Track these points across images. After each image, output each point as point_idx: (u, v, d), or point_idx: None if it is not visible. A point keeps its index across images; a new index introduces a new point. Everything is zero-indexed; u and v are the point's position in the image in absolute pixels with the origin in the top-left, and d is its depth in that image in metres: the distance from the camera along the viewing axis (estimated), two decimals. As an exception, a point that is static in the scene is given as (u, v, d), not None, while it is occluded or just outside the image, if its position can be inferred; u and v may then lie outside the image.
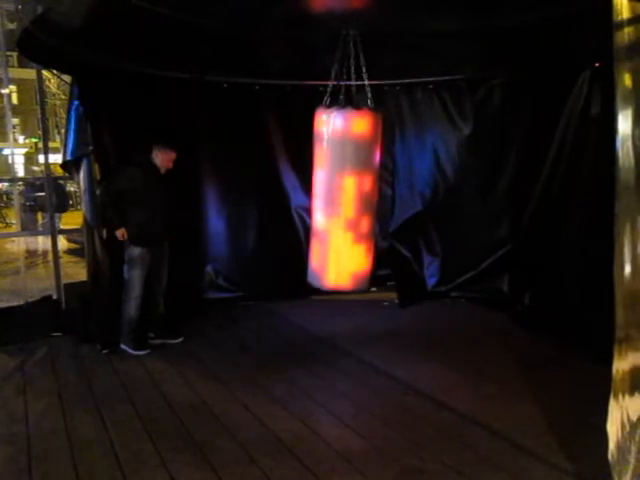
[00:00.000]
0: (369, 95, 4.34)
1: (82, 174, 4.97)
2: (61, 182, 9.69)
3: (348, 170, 4.23)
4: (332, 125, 4.16)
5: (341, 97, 4.36)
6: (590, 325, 4.35)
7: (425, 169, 6.31)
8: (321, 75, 5.60)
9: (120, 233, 4.59)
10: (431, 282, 6.35)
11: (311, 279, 4.58)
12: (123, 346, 4.70)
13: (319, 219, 4.43)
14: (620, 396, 2.58)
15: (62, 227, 8.77)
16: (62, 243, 8.85)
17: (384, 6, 3.97)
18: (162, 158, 4.63)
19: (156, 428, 3.42)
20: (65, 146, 5.09)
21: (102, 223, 4.85)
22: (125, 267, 4.69)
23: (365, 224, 4.42)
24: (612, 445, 2.56)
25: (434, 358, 4.56)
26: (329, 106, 4.27)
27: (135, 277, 4.65)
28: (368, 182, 4.35)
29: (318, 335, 5.20)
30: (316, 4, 4.03)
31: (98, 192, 4.61)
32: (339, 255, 4.38)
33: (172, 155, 4.66)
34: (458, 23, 4.24)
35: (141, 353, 4.65)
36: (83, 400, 3.85)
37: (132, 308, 4.68)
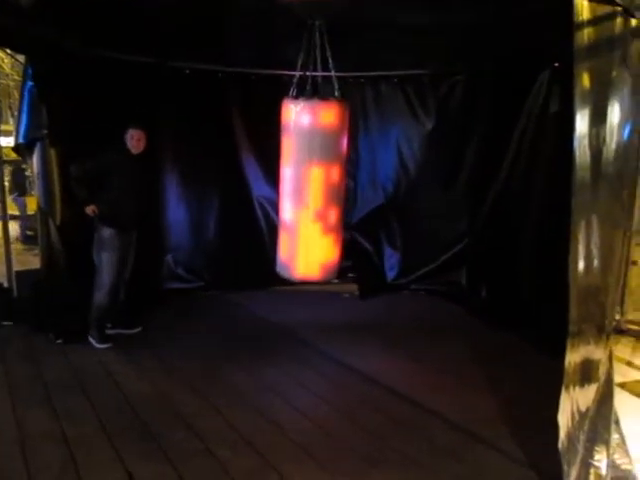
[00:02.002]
0: (336, 86, 4.33)
1: (35, 158, 4.81)
2: (23, 166, 9.33)
3: (315, 161, 4.21)
4: (299, 116, 4.12)
5: (308, 88, 4.33)
6: (544, 319, 4.48)
7: (388, 162, 6.35)
8: (286, 65, 5.57)
9: (90, 209, 4.46)
10: (391, 274, 6.42)
11: (280, 270, 4.57)
12: (89, 338, 4.57)
13: (287, 210, 4.40)
14: (571, 388, 2.67)
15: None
16: (14, 229, 8.53)
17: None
18: (130, 138, 4.52)
19: (110, 420, 3.35)
20: (18, 128, 4.90)
21: (70, 201, 4.68)
22: (94, 250, 4.55)
23: (333, 215, 4.42)
24: (562, 434, 2.64)
25: (393, 350, 4.61)
26: (295, 97, 4.23)
27: (105, 261, 4.51)
28: (336, 173, 4.34)
29: (279, 326, 5.18)
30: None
31: (71, 168, 4.44)
32: (308, 246, 4.37)
33: (140, 134, 4.54)
34: (423, 18, 4.25)
35: (104, 346, 4.52)
36: (34, 392, 3.73)
37: (102, 296, 4.55)
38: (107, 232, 4.51)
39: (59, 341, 4.56)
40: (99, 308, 4.57)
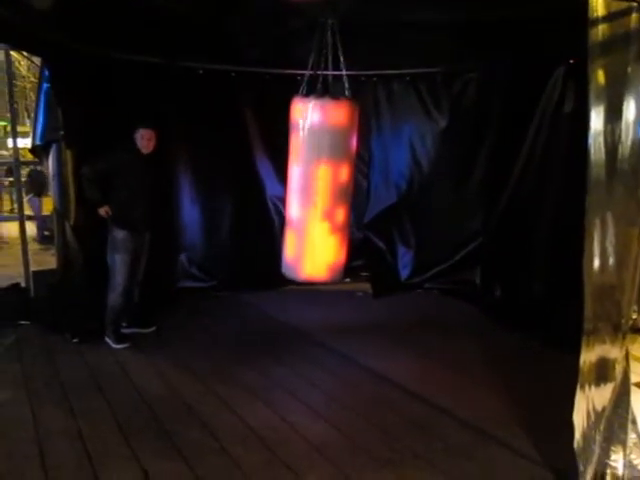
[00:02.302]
0: (346, 85, 4.32)
1: (51, 159, 4.86)
2: (40, 168, 9.42)
3: (324, 160, 4.20)
4: (309, 114, 4.11)
5: (318, 86, 4.32)
6: (559, 318, 4.44)
7: (401, 161, 6.33)
8: (299, 64, 5.55)
9: (104, 210, 4.50)
10: (404, 273, 6.39)
11: (286, 271, 4.52)
12: (106, 338, 4.61)
13: (294, 209, 4.38)
14: (587, 387, 2.64)
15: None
16: (31, 229, 8.64)
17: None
18: (141, 138, 4.54)
19: (126, 418, 3.38)
20: (34, 130, 4.96)
21: (83, 202, 4.71)
22: (108, 251, 4.59)
23: (341, 214, 4.39)
24: (578, 434, 2.62)
25: (406, 349, 4.60)
26: (306, 95, 4.23)
27: (119, 262, 4.55)
28: (344, 172, 4.32)
29: (291, 325, 5.19)
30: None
31: (83, 170, 4.49)
32: (315, 246, 4.34)
33: (150, 134, 4.56)
34: (436, 15, 4.24)
35: (121, 347, 4.55)
36: (51, 390, 3.78)
37: (115, 297, 4.59)
38: (120, 234, 4.54)
39: (75, 340, 4.61)
40: (113, 309, 4.61)
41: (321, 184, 4.21)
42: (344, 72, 4.25)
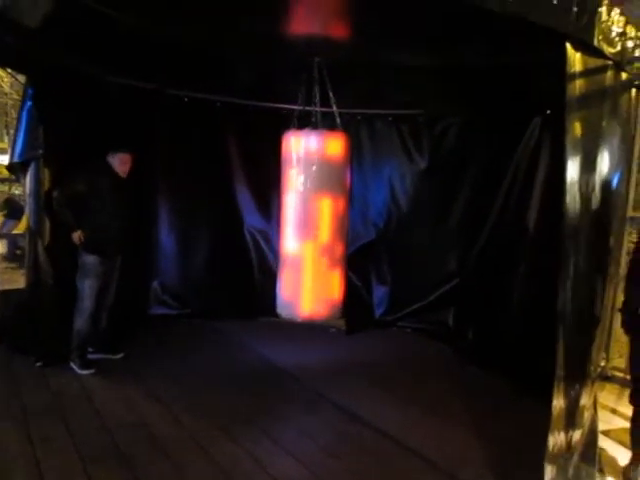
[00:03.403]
0: (338, 119, 4.40)
1: (29, 177, 4.79)
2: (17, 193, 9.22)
3: (323, 193, 4.18)
4: (305, 147, 4.12)
5: (312, 120, 4.39)
6: (530, 362, 4.47)
7: (380, 199, 6.40)
8: (284, 98, 5.66)
9: (77, 236, 4.42)
10: (379, 311, 6.39)
11: (282, 310, 4.38)
12: (71, 363, 4.49)
13: (291, 244, 4.30)
14: (556, 432, 2.66)
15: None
16: (1, 246, 8.47)
17: (351, 37, 4.05)
18: (119, 162, 4.52)
19: (87, 447, 3.27)
20: (14, 147, 4.91)
21: (54, 225, 4.65)
22: (77, 275, 4.51)
23: (339, 248, 4.34)
24: (547, 479, 2.61)
25: (379, 388, 4.55)
26: (298, 129, 4.27)
27: (87, 287, 4.47)
28: (341, 205, 4.31)
29: (264, 359, 5.11)
30: (284, 28, 4.07)
31: (54, 194, 4.43)
32: (314, 282, 4.26)
33: (127, 158, 4.55)
34: (421, 59, 4.36)
35: (86, 372, 4.44)
36: (10, 414, 3.64)
37: (82, 322, 4.49)
38: (89, 258, 4.47)
39: (39, 364, 4.48)
40: (80, 333, 4.51)
41: (321, 217, 4.18)
42: (334, 108, 4.32)
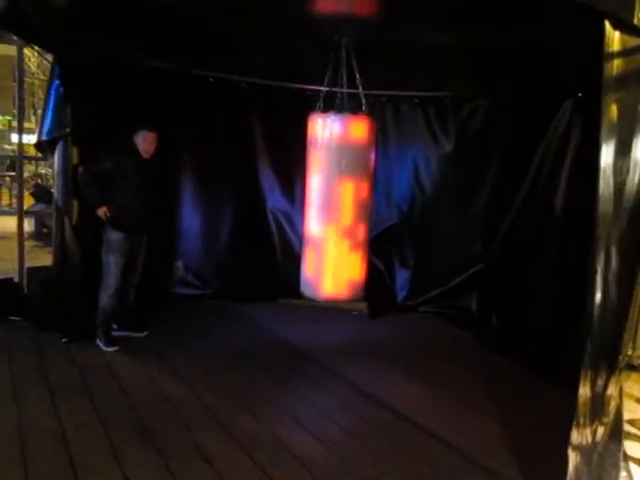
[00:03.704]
0: (363, 101, 4.34)
1: (57, 156, 4.85)
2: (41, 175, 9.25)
3: (346, 176, 4.17)
4: (330, 130, 4.10)
5: (338, 102, 4.35)
6: (557, 351, 4.42)
7: (404, 182, 6.33)
8: (308, 79, 5.61)
9: (102, 211, 4.46)
10: (401, 295, 6.36)
11: (305, 289, 4.46)
12: (97, 340, 4.55)
13: (314, 226, 4.33)
14: (581, 421, 2.62)
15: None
16: (29, 225, 8.60)
17: (377, 17, 3.98)
18: (143, 140, 4.52)
19: (112, 422, 3.33)
20: (41, 126, 4.96)
21: (81, 203, 4.70)
22: (102, 252, 4.54)
23: (361, 231, 4.36)
24: (571, 468, 2.58)
25: (400, 371, 4.56)
26: (324, 111, 4.24)
27: (112, 263, 4.50)
28: (364, 189, 4.30)
29: (286, 340, 5.14)
30: (311, 8, 4.01)
31: (80, 170, 4.46)
32: (335, 263, 4.29)
33: (153, 137, 4.54)
34: (448, 40, 4.27)
35: (111, 349, 4.50)
36: (37, 388, 3.72)
37: (107, 299, 4.54)
38: (114, 235, 4.50)
39: (65, 340, 4.56)
40: (104, 310, 4.57)
41: (343, 200, 4.19)
42: (361, 89, 4.27)
